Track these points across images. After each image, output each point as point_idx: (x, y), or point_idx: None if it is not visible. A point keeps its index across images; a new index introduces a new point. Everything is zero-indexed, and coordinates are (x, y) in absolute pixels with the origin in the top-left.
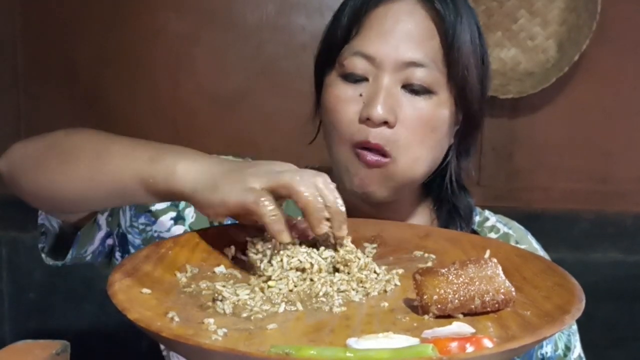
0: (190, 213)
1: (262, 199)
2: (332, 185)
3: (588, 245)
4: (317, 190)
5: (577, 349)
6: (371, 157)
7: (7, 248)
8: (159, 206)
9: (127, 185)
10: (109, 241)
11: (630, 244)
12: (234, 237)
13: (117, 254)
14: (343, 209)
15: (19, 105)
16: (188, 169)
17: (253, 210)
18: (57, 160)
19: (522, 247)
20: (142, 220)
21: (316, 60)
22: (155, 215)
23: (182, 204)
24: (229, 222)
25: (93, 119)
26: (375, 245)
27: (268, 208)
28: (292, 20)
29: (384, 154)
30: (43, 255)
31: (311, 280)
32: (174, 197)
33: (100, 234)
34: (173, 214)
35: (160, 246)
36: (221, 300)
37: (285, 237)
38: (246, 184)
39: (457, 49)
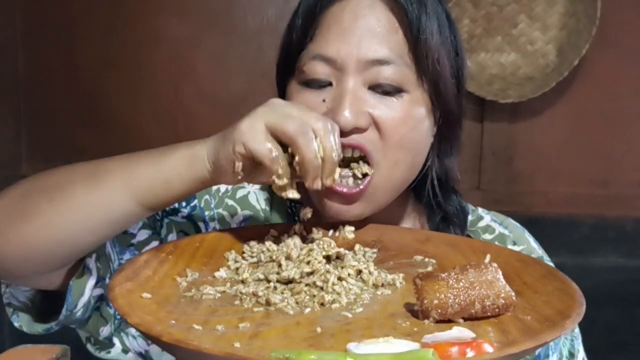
0: (172, 240)
1: (268, 145)
2: (335, 133)
3: (588, 250)
4: (318, 139)
5: (581, 353)
6: (347, 189)
7: None
8: (140, 237)
9: (140, 196)
10: (96, 291)
11: (631, 248)
12: (233, 241)
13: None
14: (337, 158)
15: (20, 109)
16: (202, 148)
17: (258, 152)
18: (44, 202)
19: (520, 247)
20: (127, 255)
21: (277, 69)
22: (139, 248)
23: (164, 231)
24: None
25: (94, 123)
26: (375, 250)
27: (273, 155)
28: None
29: (364, 162)
30: (25, 329)
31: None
32: (197, 184)
33: (91, 282)
34: (155, 242)
35: (160, 250)
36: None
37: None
38: (252, 123)
39: (424, 41)
